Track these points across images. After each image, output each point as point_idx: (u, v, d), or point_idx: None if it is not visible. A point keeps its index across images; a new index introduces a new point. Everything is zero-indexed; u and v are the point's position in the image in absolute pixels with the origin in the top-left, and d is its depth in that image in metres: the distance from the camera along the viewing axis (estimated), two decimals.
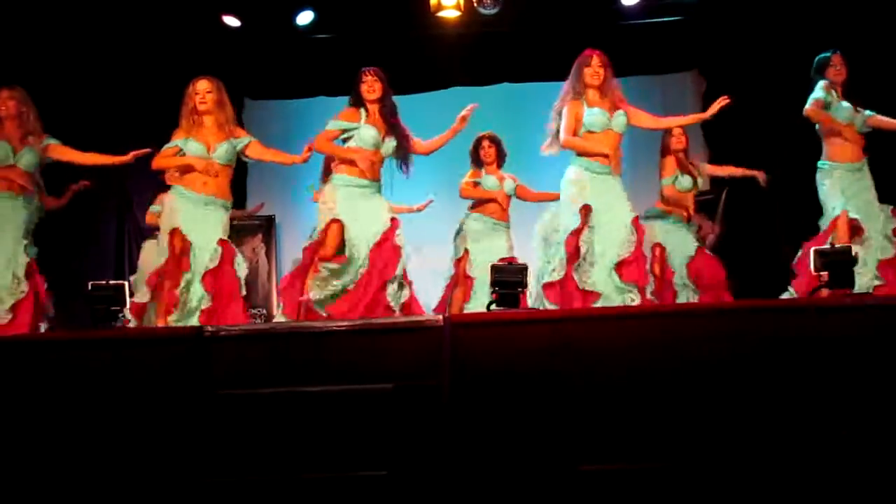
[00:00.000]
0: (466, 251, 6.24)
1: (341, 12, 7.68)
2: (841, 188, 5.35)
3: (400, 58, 5.38)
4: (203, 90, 4.91)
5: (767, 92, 7.11)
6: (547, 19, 7.69)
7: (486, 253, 6.04)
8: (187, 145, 4.90)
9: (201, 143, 4.89)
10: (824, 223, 5.42)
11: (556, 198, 5.41)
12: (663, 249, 6.09)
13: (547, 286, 5.00)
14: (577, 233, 4.97)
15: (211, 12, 7.47)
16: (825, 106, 5.34)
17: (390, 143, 5.05)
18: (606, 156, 5.02)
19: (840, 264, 4.32)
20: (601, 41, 5.35)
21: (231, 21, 7.52)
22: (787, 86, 5.95)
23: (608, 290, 4.89)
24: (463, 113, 5.18)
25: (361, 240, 4.92)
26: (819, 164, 5.46)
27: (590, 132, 5.09)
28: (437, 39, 7.67)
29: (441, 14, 7.29)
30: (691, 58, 8.00)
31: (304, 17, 7.63)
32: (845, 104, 5.39)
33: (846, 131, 5.35)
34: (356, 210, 4.97)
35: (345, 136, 5.06)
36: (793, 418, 3.45)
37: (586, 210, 4.98)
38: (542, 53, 7.67)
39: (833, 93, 5.39)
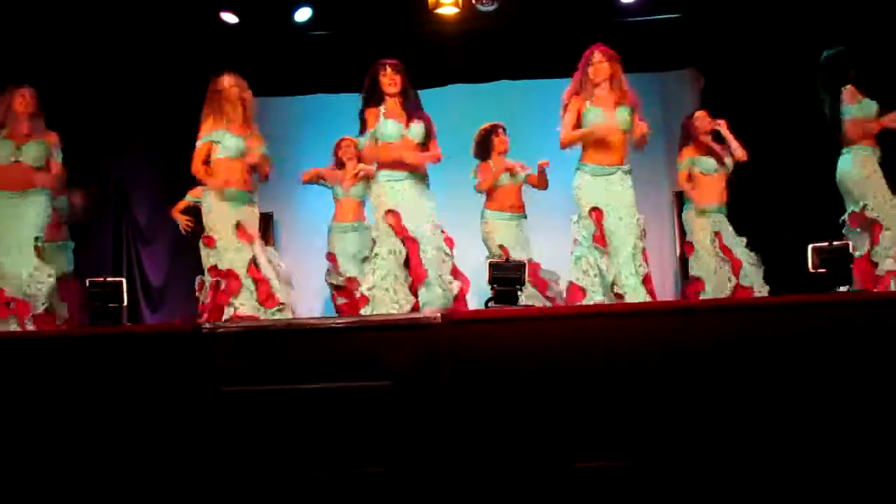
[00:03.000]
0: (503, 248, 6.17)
1: (339, 9, 7.66)
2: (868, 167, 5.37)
3: (398, 54, 5.35)
4: (233, 83, 5.01)
5: (765, 87, 7.11)
6: (545, 16, 7.67)
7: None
8: (224, 139, 4.92)
9: (239, 135, 4.94)
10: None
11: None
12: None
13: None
14: (597, 238, 4.89)
15: (209, 9, 7.46)
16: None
17: (417, 128, 5.03)
18: (604, 141, 4.91)
19: (838, 261, 4.32)
20: (599, 38, 5.34)
21: (229, 18, 7.51)
22: (785, 81, 5.96)
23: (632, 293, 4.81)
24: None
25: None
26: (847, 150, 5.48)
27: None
28: (436, 36, 7.65)
29: (439, 11, 7.28)
30: (689, 55, 7.99)
31: (303, 14, 7.61)
32: (867, 100, 5.47)
33: (871, 123, 5.44)
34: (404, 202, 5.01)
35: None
36: (790, 416, 3.45)
37: (597, 213, 4.91)
38: (541, 50, 7.65)
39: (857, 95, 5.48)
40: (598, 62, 4.98)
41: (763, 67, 7.24)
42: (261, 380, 3.57)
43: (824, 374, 3.48)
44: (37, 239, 5.12)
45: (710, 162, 6.08)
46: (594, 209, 4.92)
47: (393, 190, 5.00)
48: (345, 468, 3.40)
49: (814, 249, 4.40)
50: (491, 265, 4.62)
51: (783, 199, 6.01)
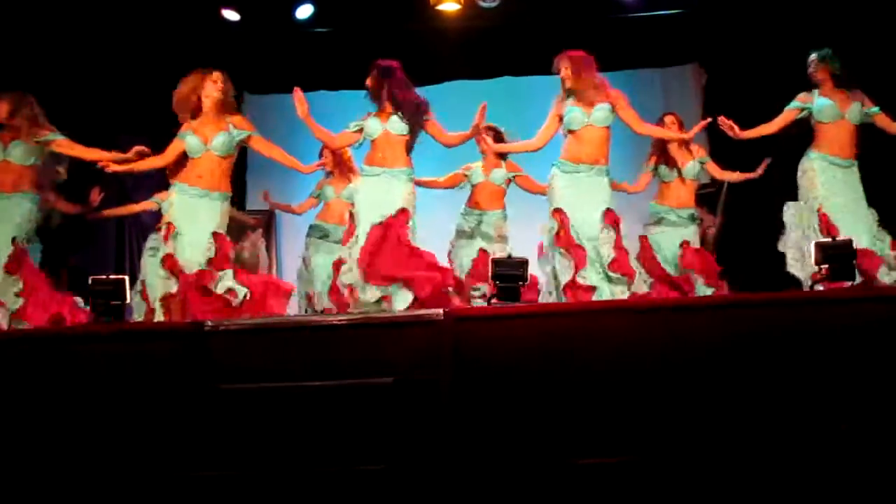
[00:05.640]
0: (482, 251, 6.12)
1: (341, 6, 7.66)
2: (820, 181, 5.31)
3: (400, 52, 5.36)
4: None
5: (767, 84, 7.09)
6: (547, 12, 7.67)
7: (468, 248, 6.05)
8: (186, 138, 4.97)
9: (198, 136, 4.96)
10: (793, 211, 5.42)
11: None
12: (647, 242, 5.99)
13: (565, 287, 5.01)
14: (558, 237, 5.05)
15: (210, 6, 7.46)
16: (800, 112, 5.43)
17: (398, 124, 5.02)
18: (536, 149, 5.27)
19: (841, 257, 4.31)
20: (601, 34, 5.37)
21: (230, 15, 7.51)
22: (787, 78, 5.94)
23: (600, 283, 4.96)
24: (479, 109, 5.13)
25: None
26: (806, 152, 5.45)
27: (570, 131, 5.17)
28: (438, 33, 7.65)
29: (441, 7, 7.28)
30: (692, 50, 7.98)
31: (304, 11, 7.62)
32: (824, 101, 5.38)
33: (833, 129, 5.35)
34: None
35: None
36: (791, 411, 3.45)
37: (559, 214, 5.08)
38: (543, 46, 7.61)
39: (814, 94, 5.43)
40: (565, 68, 5.17)
41: (766, 63, 7.23)
42: (261, 378, 3.57)
43: (819, 370, 3.48)
44: (13, 239, 5.18)
45: (664, 169, 6.06)
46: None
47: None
48: (346, 466, 3.40)
49: (817, 245, 4.39)
50: (493, 262, 4.61)
51: (784, 197, 5.99)
